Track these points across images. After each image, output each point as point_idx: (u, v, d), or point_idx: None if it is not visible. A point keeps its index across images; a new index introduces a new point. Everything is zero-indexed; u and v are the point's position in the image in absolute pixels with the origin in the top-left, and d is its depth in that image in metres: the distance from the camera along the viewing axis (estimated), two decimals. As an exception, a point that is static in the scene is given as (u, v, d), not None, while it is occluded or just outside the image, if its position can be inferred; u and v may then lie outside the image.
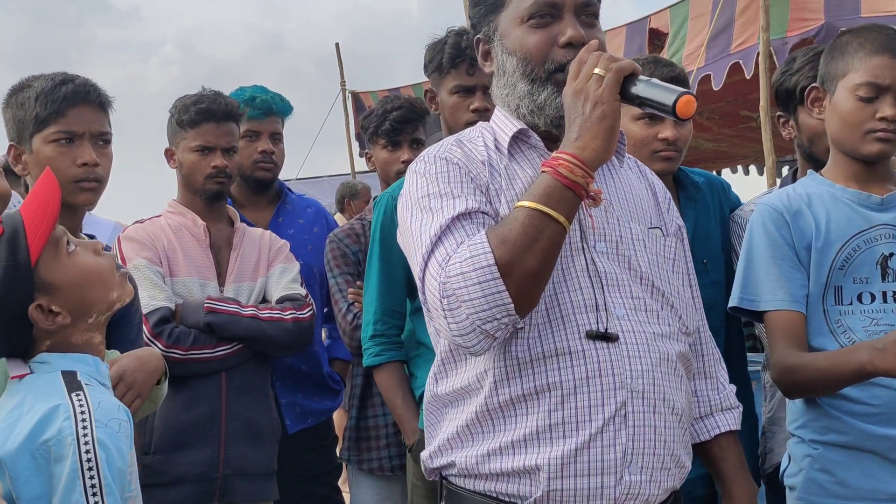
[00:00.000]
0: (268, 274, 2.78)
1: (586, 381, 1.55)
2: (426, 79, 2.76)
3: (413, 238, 1.58)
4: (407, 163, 2.82)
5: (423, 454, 1.72)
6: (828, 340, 1.94)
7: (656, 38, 6.44)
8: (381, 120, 2.94)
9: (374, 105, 3.26)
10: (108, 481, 1.53)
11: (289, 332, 2.66)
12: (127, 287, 1.78)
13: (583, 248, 1.62)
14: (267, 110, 3.08)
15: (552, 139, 1.68)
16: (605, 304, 1.59)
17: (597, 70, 1.52)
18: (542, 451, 1.54)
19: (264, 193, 3.19)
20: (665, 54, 5.99)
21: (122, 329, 2.21)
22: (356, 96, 8.65)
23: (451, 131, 2.51)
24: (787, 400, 2.06)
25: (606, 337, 1.57)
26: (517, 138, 1.69)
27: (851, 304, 1.95)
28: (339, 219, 6.59)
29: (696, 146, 7.75)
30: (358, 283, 2.82)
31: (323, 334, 3.35)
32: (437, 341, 1.70)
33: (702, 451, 1.79)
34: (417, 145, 2.93)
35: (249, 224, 2.92)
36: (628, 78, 1.53)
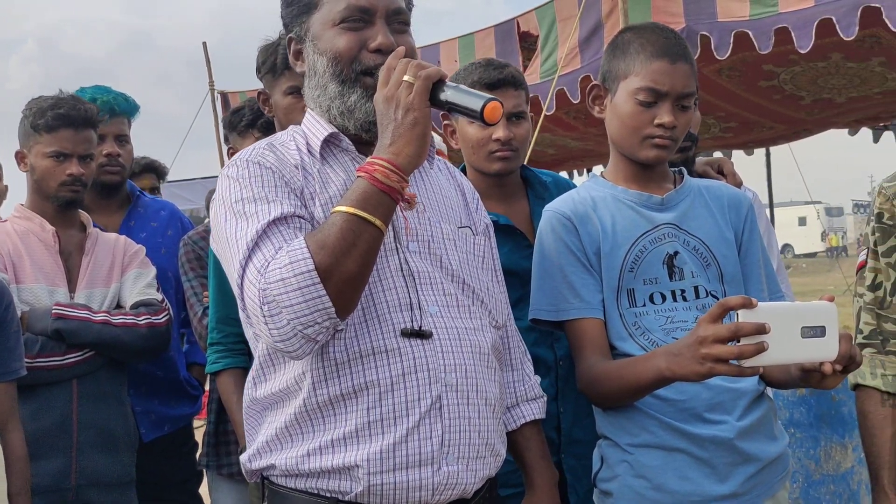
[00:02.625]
0: (122, 279, 2.74)
1: (402, 378, 1.59)
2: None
3: (229, 244, 1.58)
4: None
5: (243, 457, 1.73)
6: (628, 344, 1.92)
7: (524, 41, 6.56)
8: (258, 112, 2.87)
9: (245, 102, 3.19)
10: None
11: (143, 338, 2.63)
12: None
13: (396, 249, 1.66)
14: (110, 111, 3.02)
15: (363, 142, 1.72)
16: (419, 303, 1.64)
17: (406, 77, 1.56)
18: (360, 448, 1.57)
19: (113, 197, 3.14)
20: (539, 56, 6.12)
21: None
22: (224, 96, 8.50)
23: None
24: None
25: (421, 334, 1.61)
26: (329, 142, 1.72)
27: (644, 305, 1.94)
28: (212, 222, 6.49)
29: (564, 145, 7.93)
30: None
31: (182, 339, 3.31)
32: (255, 346, 1.71)
33: (508, 440, 1.84)
34: None
35: (98, 228, 2.86)
36: (437, 84, 1.57)
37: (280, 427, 1.64)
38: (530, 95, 6.66)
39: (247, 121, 2.89)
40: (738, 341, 1.59)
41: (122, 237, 2.85)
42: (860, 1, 4.41)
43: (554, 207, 2.05)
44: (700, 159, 2.75)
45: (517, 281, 2.16)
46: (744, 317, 1.57)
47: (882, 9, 4.35)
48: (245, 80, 8.53)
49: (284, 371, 1.64)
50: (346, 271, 1.48)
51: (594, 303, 1.95)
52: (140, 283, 2.74)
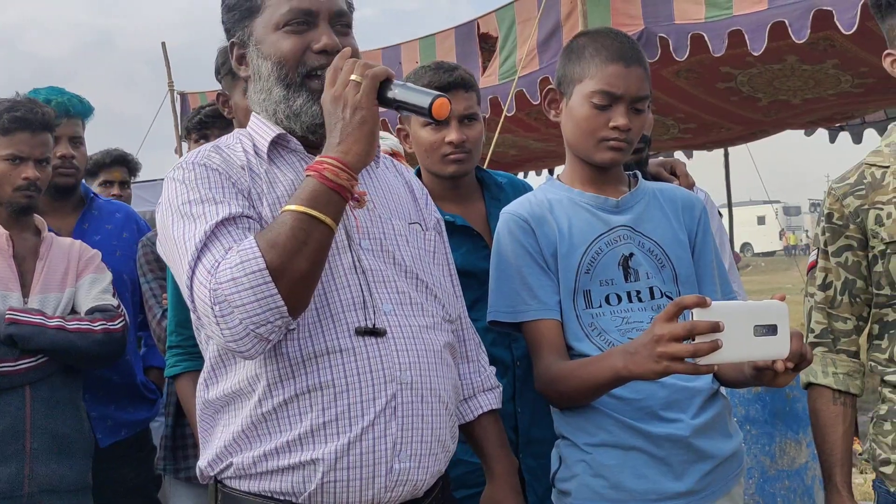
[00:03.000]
0: (77, 284, 2.71)
1: (358, 378, 1.58)
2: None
3: (177, 246, 1.56)
4: None
5: (201, 462, 1.71)
6: (585, 344, 1.94)
7: (484, 42, 6.58)
8: (195, 114, 2.91)
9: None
10: None
11: (98, 344, 2.60)
12: None
13: (349, 247, 1.66)
14: (64, 113, 2.99)
15: (310, 143, 1.72)
16: (373, 300, 1.64)
17: (353, 76, 1.57)
18: (316, 448, 1.57)
19: (67, 199, 3.11)
20: (497, 57, 6.13)
21: None
22: (184, 97, 8.42)
23: None
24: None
25: (375, 332, 1.61)
26: (276, 143, 1.71)
27: (601, 306, 1.96)
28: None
29: (526, 146, 7.98)
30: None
31: (139, 342, 3.28)
32: (205, 348, 1.70)
33: (466, 430, 1.86)
34: None
35: (53, 233, 2.82)
36: (384, 83, 1.58)
37: (236, 431, 1.62)
38: (490, 97, 6.66)
39: (191, 123, 2.92)
40: (693, 339, 1.60)
41: (78, 242, 2.81)
42: (812, 4, 4.48)
43: (511, 210, 2.07)
44: (653, 161, 2.78)
45: (475, 282, 2.17)
46: (698, 315, 1.59)
47: (834, 12, 4.42)
48: (209, 82, 8.47)
49: (235, 371, 1.63)
50: (298, 270, 1.48)
51: (551, 304, 1.97)
52: (95, 289, 2.71)
